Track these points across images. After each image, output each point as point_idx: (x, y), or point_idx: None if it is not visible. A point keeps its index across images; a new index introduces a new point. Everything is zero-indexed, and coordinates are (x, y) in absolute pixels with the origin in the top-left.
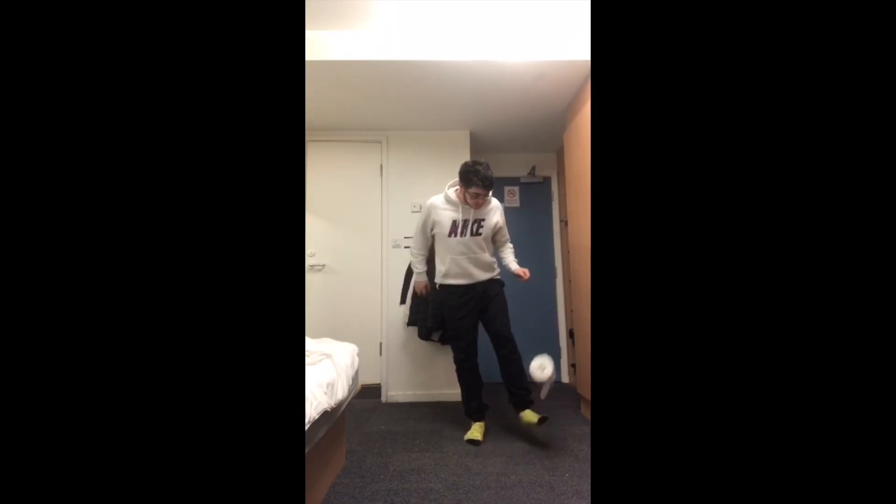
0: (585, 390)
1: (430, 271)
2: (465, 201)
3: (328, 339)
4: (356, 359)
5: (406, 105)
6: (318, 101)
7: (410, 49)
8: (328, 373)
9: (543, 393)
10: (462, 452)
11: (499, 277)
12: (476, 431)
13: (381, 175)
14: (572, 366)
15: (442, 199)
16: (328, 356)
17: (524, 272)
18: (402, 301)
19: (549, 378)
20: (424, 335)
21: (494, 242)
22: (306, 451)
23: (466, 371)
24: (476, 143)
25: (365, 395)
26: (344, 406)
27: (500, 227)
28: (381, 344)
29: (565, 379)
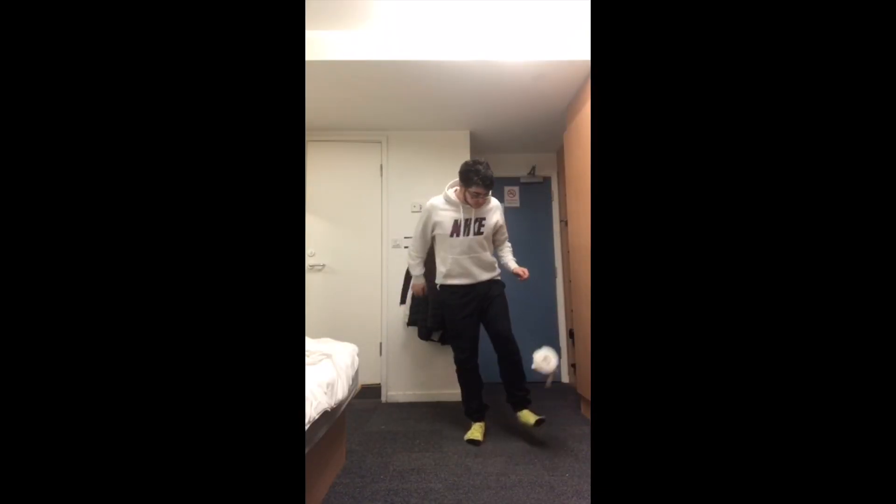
0: (585, 390)
1: (429, 273)
2: (465, 201)
3: (328, 339)
4: (356, 359)
5: (406, 105)
6: (318, 101)
7: (410, 49)
8: (328, 373)
9: (548, 382)
10: (462, 452)
11: (500, 278)
12: (476, 431)
13: (381, 175)
14: (572, 366)
15: (442, 199)
16: (328, 356)
17: (523, 271)
18: (402, 301)
19: (554, 369)
20: (424, 335)
21: (494, 242)
22: (306, 451)
23: (467, 371)
24: (476, 143)
25: (365, 395)
26: (344, 406)
27: (500, 227)
28: (381, 344)
29: (565, 379)
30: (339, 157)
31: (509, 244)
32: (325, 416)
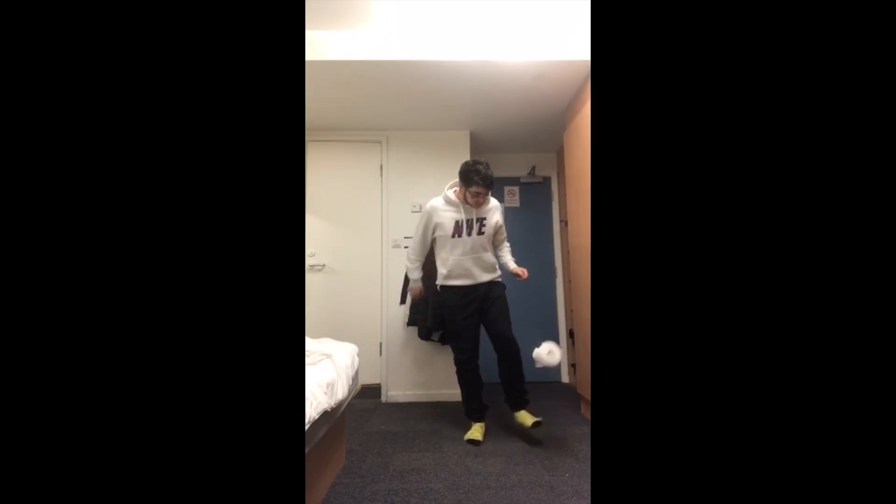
0: (585, 390)
1: (428, 274)
2: (465, 201)
3: (328, 339)
4: (356, 359)
5: (406, 105)
6: (318, 101)
7: (410, 49)
8: (328, 373)
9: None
10: (462, 452)
11: (500, 280)
12: (476, 432)
13: (381, 175)
14: (572, 366)
15: (441, 201)
16: (328, 356)
17: (522, 271)
18: (402, 301)
19: (558, 362)
20: (424, 335)
21: (493, 242)
22: (306, 451)
23: (467, 373)
24: (476, 143)
25: (365, 395)
26: (344, 406)
27: (500, 227)
28: (381, 344)
29: (565, 379)
30: (339, 157)
31: (508, 244)
32: (325, 416)
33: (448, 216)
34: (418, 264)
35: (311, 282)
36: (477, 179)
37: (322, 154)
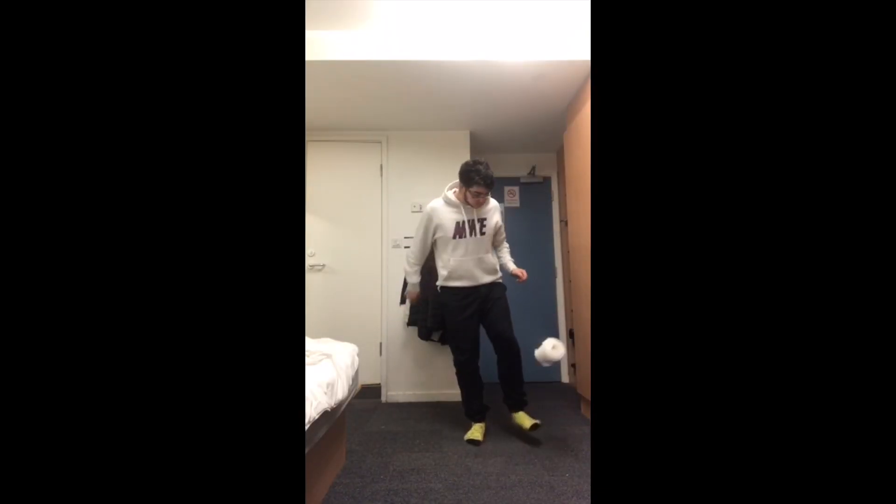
0: (585, 390)
1: (428, 275)
2: (465, 201)
3: (328, 339)
4: (356, 359)
5: (406, 105)
6: (318, 101)
7: (410, 49)
8: (328, 373)
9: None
10: (462, 452)
11: (501, 281)
12: (476, 432)
13: (381, 175)
14: (572, 366)
15: (441, 202)
16: (328, 356)
17: (522, 272)
18: (402, 301)
19: (562, 357)
20: (424, 335)
21: (493, 242)
22: (306, 451)
23: (467, 374)
24: (476, 143)
25: (365, 395)
26: (344, 406)
27: (500, 227)
28: (381, 344)
29: (565, 379)
30: (339, 157)
31: (507, 245)
32: (325, 416)
33: (449, 217)
34: (417, 268)
35: (311, 282)
36: (478, 179)
37: (322, 154)
